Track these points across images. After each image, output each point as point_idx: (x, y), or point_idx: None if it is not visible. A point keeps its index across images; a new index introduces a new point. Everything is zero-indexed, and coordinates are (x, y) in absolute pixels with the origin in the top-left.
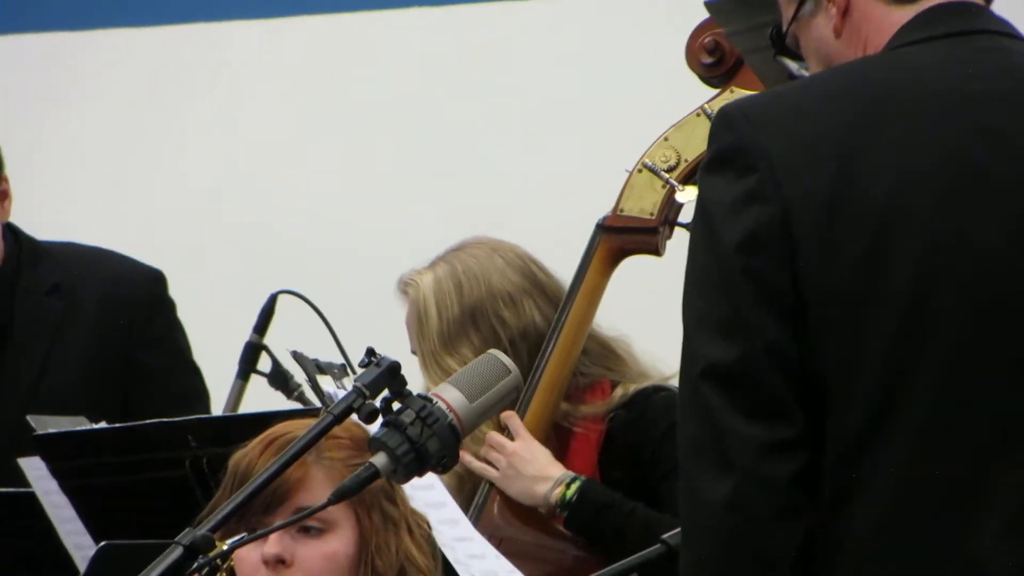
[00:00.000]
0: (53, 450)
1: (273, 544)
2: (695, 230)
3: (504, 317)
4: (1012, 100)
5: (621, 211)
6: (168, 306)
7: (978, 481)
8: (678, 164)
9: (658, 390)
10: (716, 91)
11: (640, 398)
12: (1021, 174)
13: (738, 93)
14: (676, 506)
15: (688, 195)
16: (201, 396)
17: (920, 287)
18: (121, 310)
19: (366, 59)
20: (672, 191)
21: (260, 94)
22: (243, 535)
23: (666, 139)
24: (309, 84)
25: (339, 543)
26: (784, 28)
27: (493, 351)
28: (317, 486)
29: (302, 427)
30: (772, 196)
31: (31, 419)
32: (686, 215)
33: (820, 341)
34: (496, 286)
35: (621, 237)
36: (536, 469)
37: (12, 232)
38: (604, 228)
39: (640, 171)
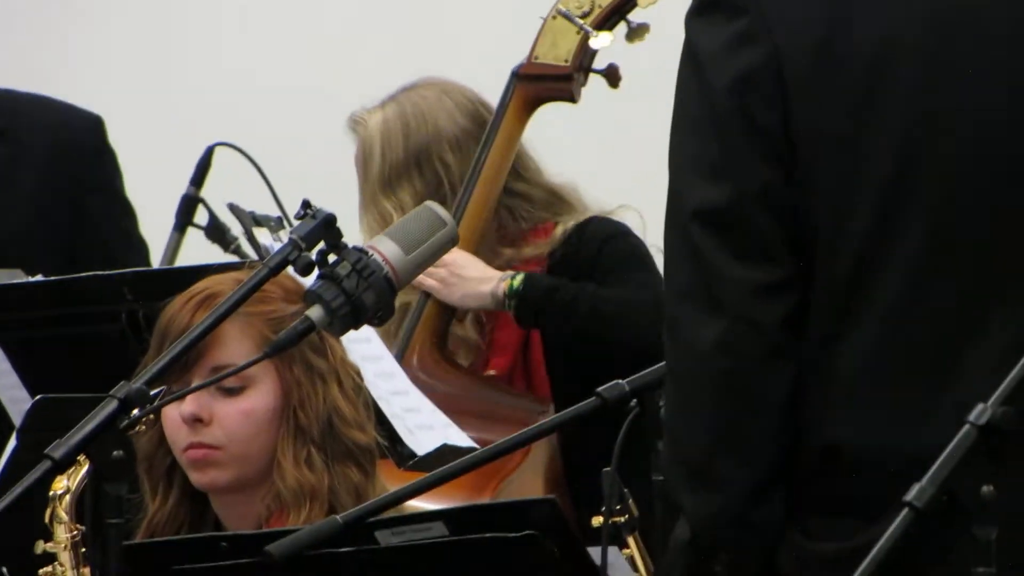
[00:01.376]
0: None
1: (190, 403)
2: (683, 74)
3: (448, 161)
4: None
5: (536, 58)
6: (111, 151)
7: (967, 319)
8: (592, 10)
9: (594, 219)
10: None
11: (576, 230)
12: (1004, 20)
13: None
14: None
15: (602, 41)
16: (142, 241)
17: (912, 130)
18: (69, 155)
19: None
20: (586, 37)
21: None
22: (163, 388)
23: None
24: None
25: (258, 399)
26: None
27: (429, 203)
28: (232, 341)
29: (225, 281)
30: (763, 37)
31: None
32: (600, 61)
33: (810, 183)
34: (443, 129)
35: (536, 84)
36: (477, 271)
37: None
38: (519, 76)
39: (554, 17)
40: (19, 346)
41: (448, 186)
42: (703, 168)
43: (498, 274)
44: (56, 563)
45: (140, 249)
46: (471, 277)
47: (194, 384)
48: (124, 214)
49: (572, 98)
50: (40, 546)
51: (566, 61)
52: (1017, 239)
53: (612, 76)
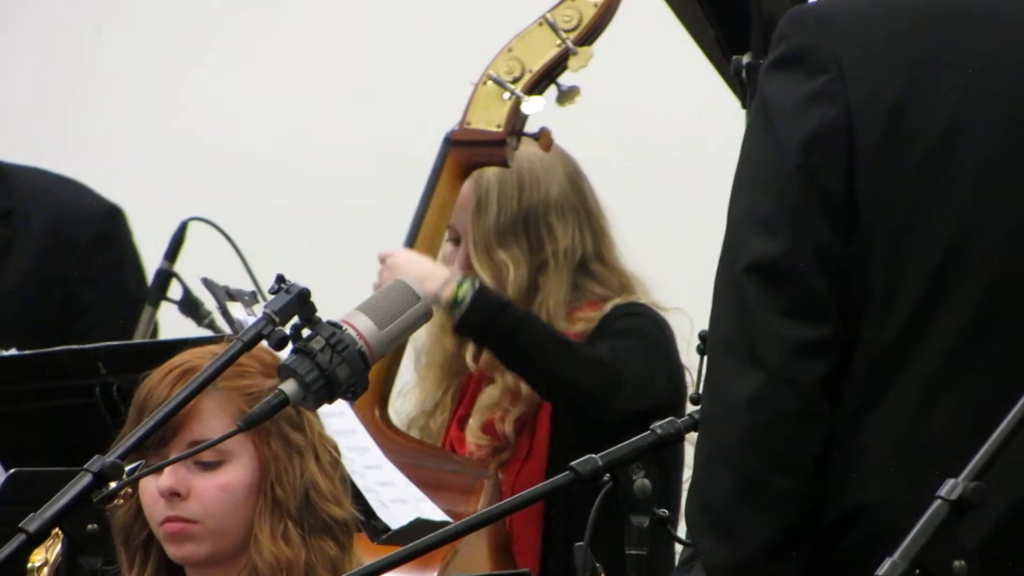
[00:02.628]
0: None
1: (167, 477)
2: (753, 126)
3: (553, 226)
4: None
5: (468, 124)
6: (118, 242)
7: (1004, 397)
8: (523, 75)
9: (634, 304)
10: (557, 0)
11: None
12: None
13: (579, 1)
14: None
15: (533, 106)
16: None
17: (972, 209)
18: (66, 243)
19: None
20: (518, 102)
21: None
22: (140, 462)
23: (510, 50)
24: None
25: (235, 473)
26: None
27: (403, 277)
28: (210, 416)
29: (204, 355)
30: (839, 98)
31: None
32: (532, 125)
33: (867, 249)
34: (552, 194)
35: (469, 150)
36: (420, 269)
37: None
38: (452, 142)
39: (485, 83)
40: None
41: (551, 252)
42: (763, 222)
43: (444, 273)
44: None
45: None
46: (414, 276)
47: (171, 458)
48: (123, 307)
49: (505, 163)
50: None
51: (499, 127)
52: None
53: (544, 140)
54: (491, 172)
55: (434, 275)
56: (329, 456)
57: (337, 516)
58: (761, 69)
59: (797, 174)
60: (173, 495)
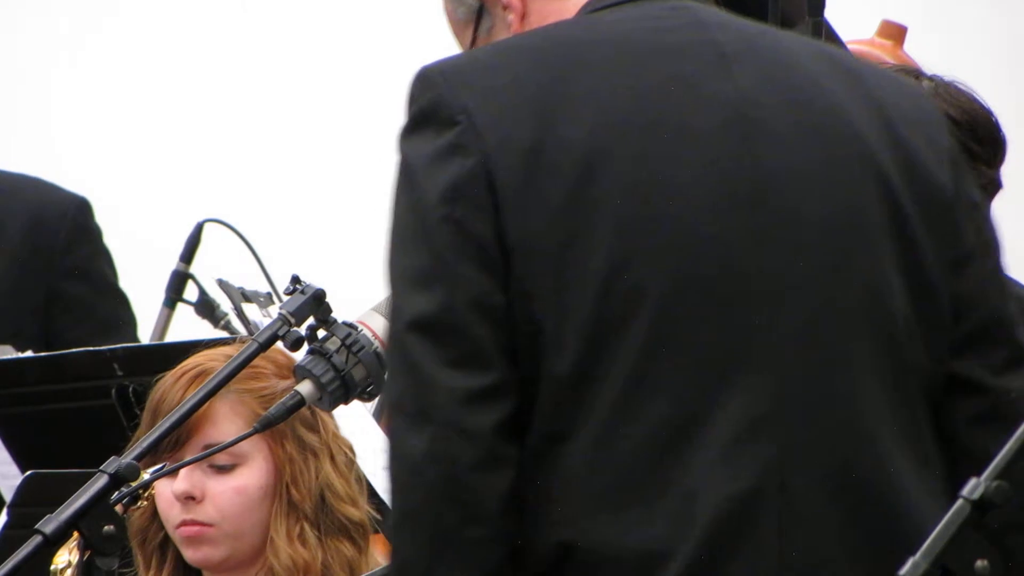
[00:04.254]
0: None
1: (182, 480)
2: (396, 191)
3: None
4: (699, 51)
5: None
6: (93, 234)
7: (690, 417)
8: None
9: None
10: None
11: None
12: (712, 119)
13: None
14: None
15: None
16: (127, 323)
17: (623, 236)
18: (45, 238)
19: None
20: None
21: (197, 16)
22: (163, 464)
23: None
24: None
25: (250, 476)
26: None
27: None
28: (224, 419)
29: (217, 357)
30: (472, 147)
31: None
32: None
33: (526, 289)
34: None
35: None
36: None
37: None
38: None
39: None
40: (9, 422)
41: None
42: (414, 278)
43: None
44: None
45: (123, 333)
46: None
47: (186, 460)
48: (104, 299)
49: None
50: None
51: None
52: (733, 332)
53: None
54: None
55: None
56: (344, 457)
57: (353, 517)
58: (398, 137)
59: (442, 226)
60: (188, 498)
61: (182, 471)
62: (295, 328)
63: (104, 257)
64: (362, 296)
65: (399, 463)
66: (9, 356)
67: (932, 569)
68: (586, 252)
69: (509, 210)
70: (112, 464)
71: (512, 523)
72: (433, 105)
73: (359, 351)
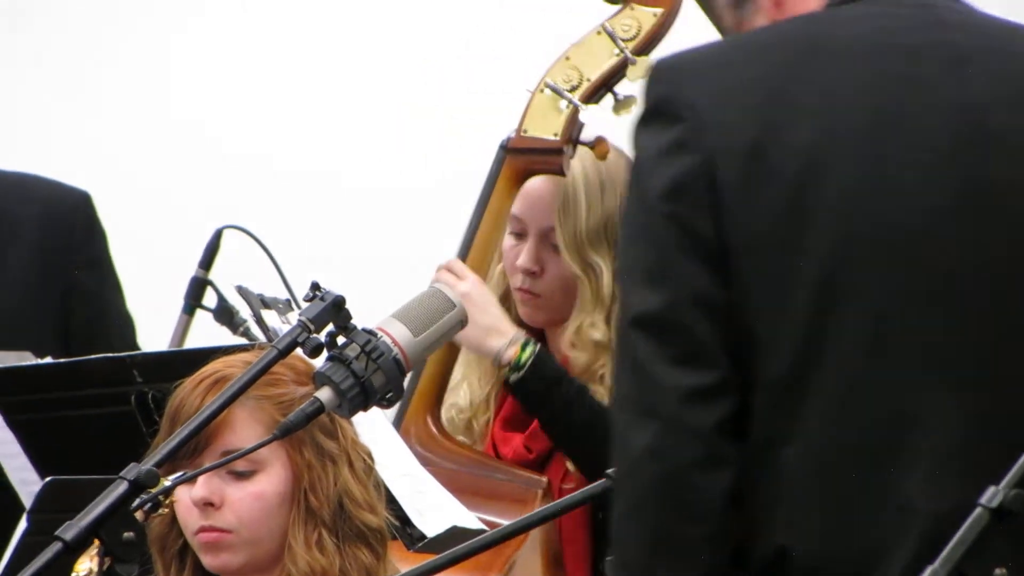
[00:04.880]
0: None
1: (200, 487)
2: (629, 184)
3: (617, 231)
4: (935, 53)
5: (525, 132)
6: (99, 226)
7: (908, 422)
8: (580, 83)
9: None
10: (617, 7)
11: None
12: (943, 124)
13: (638, 10)
14: None
15: (591, 114)
16: (130, 316)
17: (841, 236)
18: (60, 231)
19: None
20: (576, 111)
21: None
22: (184, 472)
23: (567, 58)
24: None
25: (269, 482)
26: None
27: (438, 284)
28: (242, 426)
29: (236, 363)
30: (697, 145)
31: None
32: (587, 133)
33: (746, 288)
34: (621, 201)
35: (525, 157)
36: (490, 319)
37: None
38: (508, 149)
39: (542, 91)
40: (29, 428)
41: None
42: (640, 274)
43: (511, 331)
44: None
45: (129, 323)
46: (482, 325)
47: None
48: (114, 289)
49: (562, 171)
50: None
51: (556, 135)
52: (954, 334)
53: (600, 149)
54: (575, 170)
55: (500, 330)
56: (363, 463)
57: (371, 523)
58: (631, 130)
59: (666, 224)
60: (207, 505)
61: (201, 478)
62: (314, 335)
63: (108, 249)
64: (381, 304)
65: (623, 458)
66: (28, 362)
67: None
68: (804, 256)
69: (729, 211)
70: (132, 471)
71: (730, 524)
72: (662, 100)
73: (379, 358)
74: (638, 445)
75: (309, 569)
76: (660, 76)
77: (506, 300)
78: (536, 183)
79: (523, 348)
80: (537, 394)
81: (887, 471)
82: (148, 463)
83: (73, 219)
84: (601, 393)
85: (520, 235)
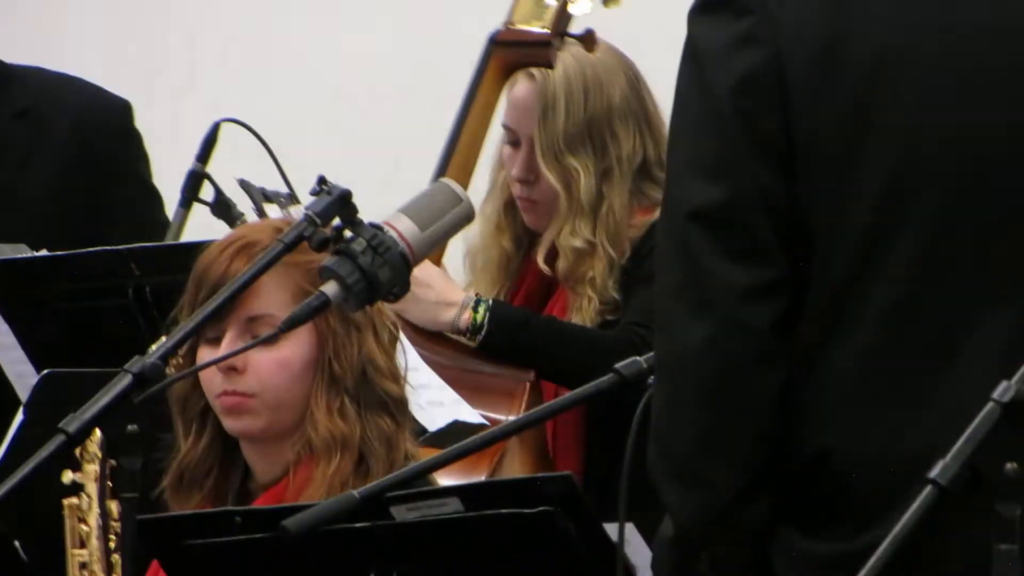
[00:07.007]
0: None
1: (224, 351)
2: (684, 72)
3: (617, 134)
4: None
5: (513, 24)
6: (135, 137)
7: (963, 325)
8: None
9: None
10: None
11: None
12: (1015, 22)
13: None
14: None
15: (581, 7)
16: (163, 225)
17: (910, 140)
18: (90, 140)
19: None
20: (565, 3)
21: None
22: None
23: None
24: None
25: (293, 348)
26: None
27: (445, 179)
28: (269, 291)
29: (264, 229)
30: (767, 39)
31: None
32: (577, 26)
33: (808, 187)
34: (616, 101)
35: (514, 50)
36: (436, 294)
37: None
38: (496, 42)
39: None
40: (25, 321)
41: (615, 158)
42: (702, 168)
43: (459, 298)
44: (83, 494)
45: (158, 235)
46: (429, 301)
47: (228, 333)
48: (146, 201)
49: (551, 64)
50: (68, 476)
51: (545, 27)
52: (1011, 245)
53: (589, 41)
54: (556, 76)
55: (448, 301)
56: (388, 332)
57: (393, 392)
58: (689, 12)
59: (732, 118)
60: (230, 369)
61: (224, 340)
62: (321, 229)
63: (144, 161)
64: (385, 200)
65: (673, 350)
66: (24, 255)
67: (962, 471)
68: (869, 161)
69: (796, 110)
70: (136, 363)
71: (779, 423)
72: None
73: (385, 252)
74: (693, 338)
75: (329, 435)
76: None
77: (512, 208)
78: (524, 91)
79: (475, 310)
80: (506, 344)
81: (935, 377)
82: (158, 353)
83: (106, 128)
84: (589, 295)
85: (515, 144)
